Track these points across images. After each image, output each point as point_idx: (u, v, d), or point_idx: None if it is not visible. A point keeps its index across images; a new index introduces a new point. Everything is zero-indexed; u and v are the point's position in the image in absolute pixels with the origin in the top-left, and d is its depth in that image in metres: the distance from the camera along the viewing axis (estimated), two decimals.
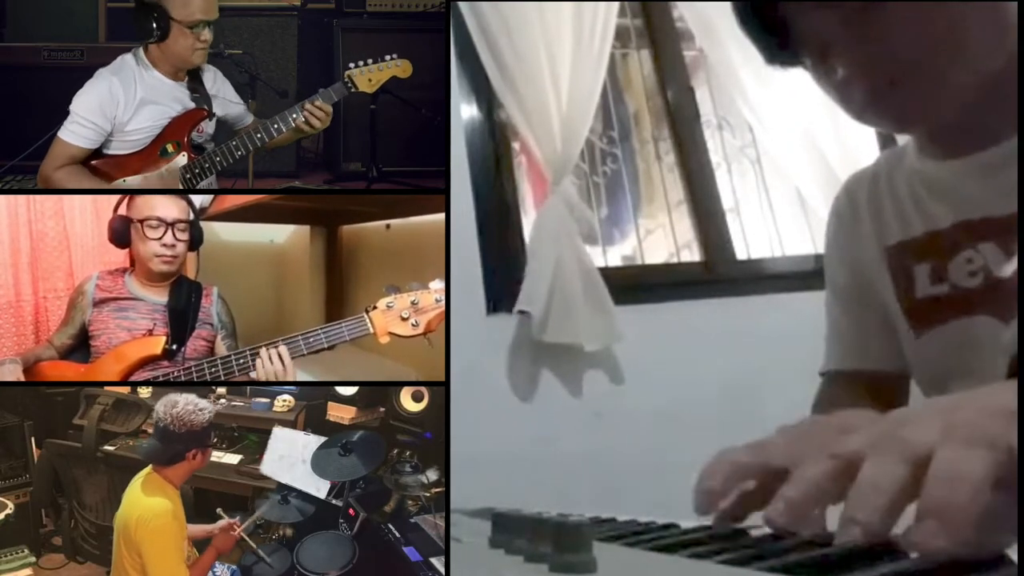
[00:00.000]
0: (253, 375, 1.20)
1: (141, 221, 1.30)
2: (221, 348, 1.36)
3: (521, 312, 1.96)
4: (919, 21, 0.69)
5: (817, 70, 0.78)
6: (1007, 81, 0.70)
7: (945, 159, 0.79)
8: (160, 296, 1.34)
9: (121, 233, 1.33)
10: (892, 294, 0.85)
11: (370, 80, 1.43)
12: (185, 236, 1.33)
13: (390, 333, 1.18)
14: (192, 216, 1.36)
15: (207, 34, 1.37)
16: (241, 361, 1.20)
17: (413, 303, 1.18)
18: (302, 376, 1.59)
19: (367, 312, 1.19)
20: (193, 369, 1.22)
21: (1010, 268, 0.72)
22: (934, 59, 0.70)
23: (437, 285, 1.20)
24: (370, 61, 1.43)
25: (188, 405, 1.25)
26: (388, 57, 1.43)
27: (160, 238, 1.30)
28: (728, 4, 0.82)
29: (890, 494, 0.40)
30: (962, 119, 0.74)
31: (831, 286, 0.97)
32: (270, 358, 1.18)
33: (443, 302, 1.19)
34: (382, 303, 1.19)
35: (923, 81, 0.71)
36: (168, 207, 1.32)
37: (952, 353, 0.79)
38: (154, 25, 1.34)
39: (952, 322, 0.78)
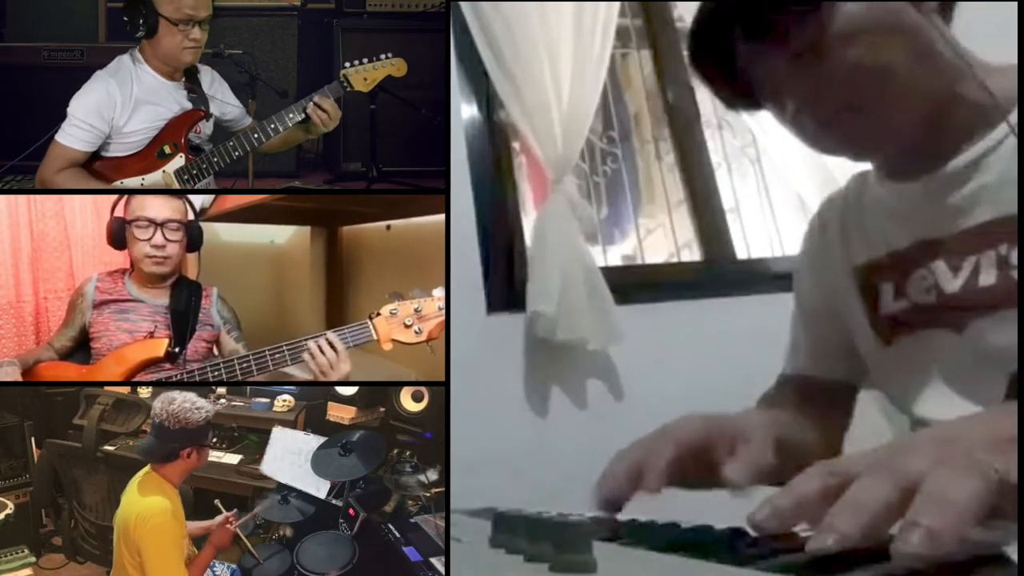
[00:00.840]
0: (285, 370, 1.20)
1: (131, 222, 1.30)
2: (228, 342, 1.35)
3: (536, 312, 1.95)
4: (858, 57, 0.75)
5: (774, 108, 0.84)
6: (946, 107, 0.77)
7: (899, 182, 0.85)
8: (160, 298, 1.33)
9: (118, 235, 1.32)
10: (859, 313, 0.92)
11: (365, 79, 1.43)
12: (177, 236, 1.32)
13: (393, 340, 1.19)
14: (192, 217, 1.35)
15: (196, 32, 1.34)
16: (276, 355, 1.19)
17: (416, 310, 1.19)
18: (301, 376, 1.59)
19: (370, 319, 1.19)
20: (196, 372, 1.22)
21: (956, 283, 0.79)
22: (875, 90, 0.76)
23: (440, 293, 1.21)
24: (365, 60, 1.43)
25: (185, 403, 1.25)
26: (383, 56, 1.43)
27: (149, 239, 1.30)
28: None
29: (873, 512, 0.42)
30: (909, 145, 0.80)
31: (798, 303, 1.06)
32: (320, 348, 1.16)
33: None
34: (385, 310, 1.19)
35: (868, 111, 0.77)
36: (159, 207, 1.31)
37: (915, 363, 0.85)
38: (141, 20, 1.32)
39: (913, 334, 0.85)
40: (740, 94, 0.86)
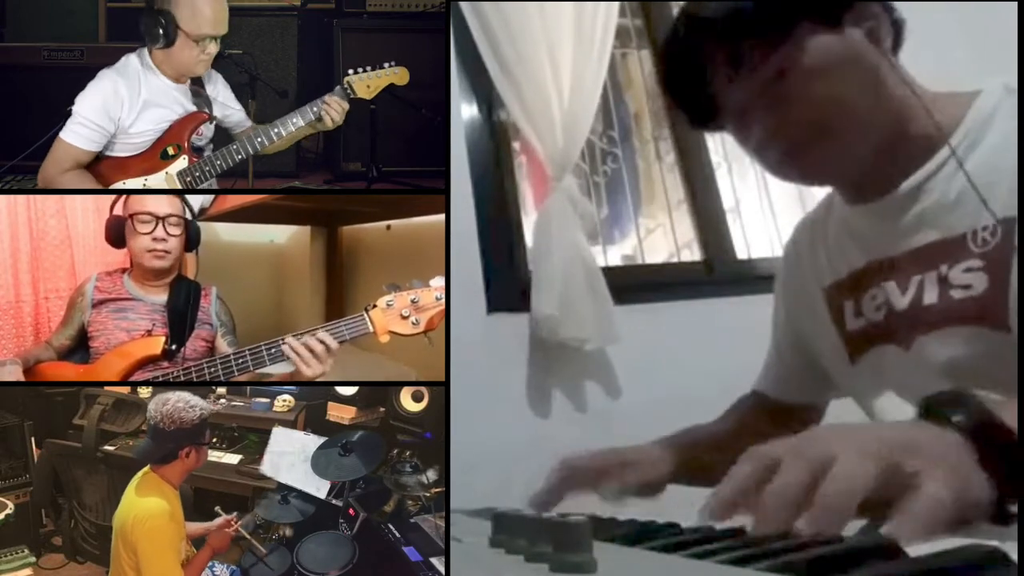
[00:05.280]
0: (267, 370, 1.20)
1: (132, 216, 1.30)
2: (222, 346, 1.35)
3: (543, 315, 1.95)
4: (823, 90, 0.79)
5: (738, 134, 0.88)
6: (896, 138, 0.81)
7: (857, 205, 0.89)
8: (159, 296, 1.33)
9: (117, 233, 1.33)
10: (830, 332, 0.95)
11: (368, 87, 1.44)
12: (177, 231, 1.32)
13: (390, 332, 1.17)
14: (189, 217, 1.36)
15: (213, 47, 1.37)
16: (272, 351, 1.17)
17: (413, 301, 1.17)
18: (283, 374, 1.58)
19: (367, 311, 1.18)
20: (193, 369, 1.22)
21: (904, 301, 0.83)
22: (836, 123, 0.80)
23: (437, 283, 1.19)
24: (368, 68, 1.44)
25: (179, 403, 1.25)
26: (386, 64, 1.45)
27: (151, 232, 1.30)
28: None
29: (798, 498, 0.48)
30: (863, 172, 0.84)
31: (774, 323, 1.10)
32: (307, 345, 1.14)
33: (443, 300, 1.18)
34: (382, 301, 1.18)
35: (825, 143, 0.81)
36: (159, 202, 1.32)
37: (873, 378, 0.89)
38: (161, 32, 1.34)
39: (871, 350, 0.89)
40: (706, 118, 0.90)
